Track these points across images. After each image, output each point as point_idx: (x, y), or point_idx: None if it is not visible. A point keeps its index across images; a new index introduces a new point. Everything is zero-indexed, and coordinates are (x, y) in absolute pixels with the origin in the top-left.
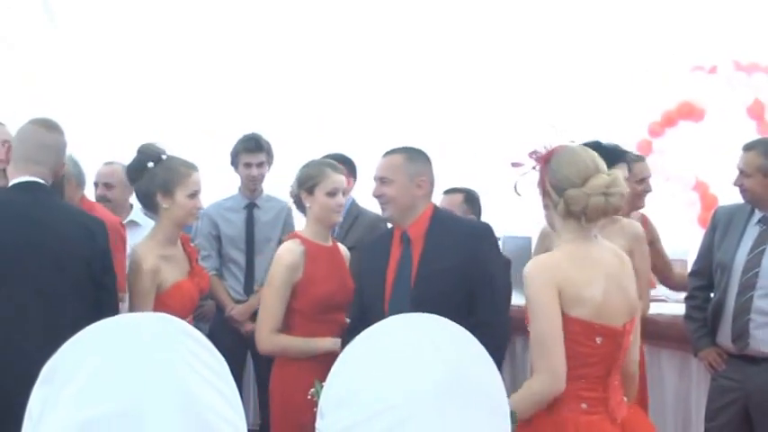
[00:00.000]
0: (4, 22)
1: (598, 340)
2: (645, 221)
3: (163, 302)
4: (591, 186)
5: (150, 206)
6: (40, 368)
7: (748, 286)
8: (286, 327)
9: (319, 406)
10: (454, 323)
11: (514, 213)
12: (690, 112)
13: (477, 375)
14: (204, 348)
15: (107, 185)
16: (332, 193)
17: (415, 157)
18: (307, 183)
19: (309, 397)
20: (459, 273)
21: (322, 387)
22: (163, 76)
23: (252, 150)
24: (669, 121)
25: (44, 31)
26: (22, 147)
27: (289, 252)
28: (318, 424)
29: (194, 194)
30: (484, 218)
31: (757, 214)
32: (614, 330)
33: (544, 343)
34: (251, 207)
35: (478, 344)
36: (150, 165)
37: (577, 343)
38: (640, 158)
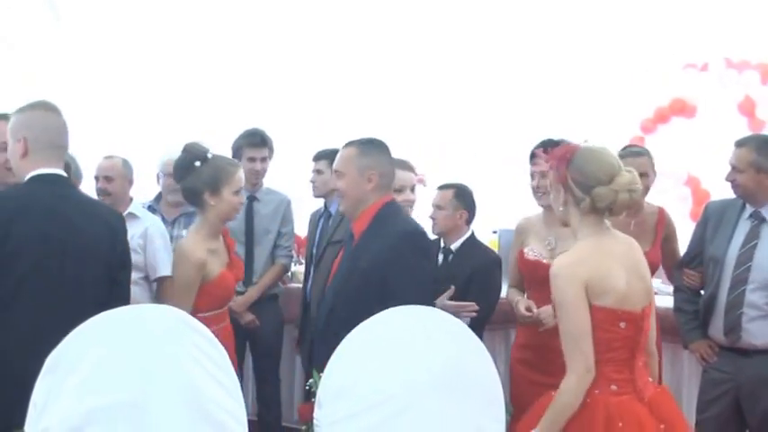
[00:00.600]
0: (4, 21)
1: (622, 325)
2: (662, 216)
3: (208, 292)
4: (618, 184)
5: (196, 202)
6: None
7: (740, 280)
8: None
9: (317, 396)
10: (451, 316)
11: (511, 208)
12: (682, 109)
13: (473, 367)
14: (208, 341)
15: (107, 179)
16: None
17: (368, 150)
18: None
19: (307, 388)
20: (376, 274)
21: (320, 378)
22: (164, 74)
23: (256, 145)
24: (661, 117)
25: (45, 31)
26: (45, 135)
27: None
28: (317, 414)
29: (239, 191)
30: (480, 213)
31: (749, 209)
32: (635, 315)
33: (576, 339)
34: (251, 200)
35: (474, 336)
36: (197, 164)
37: (603, 330)
38: (637, 153)
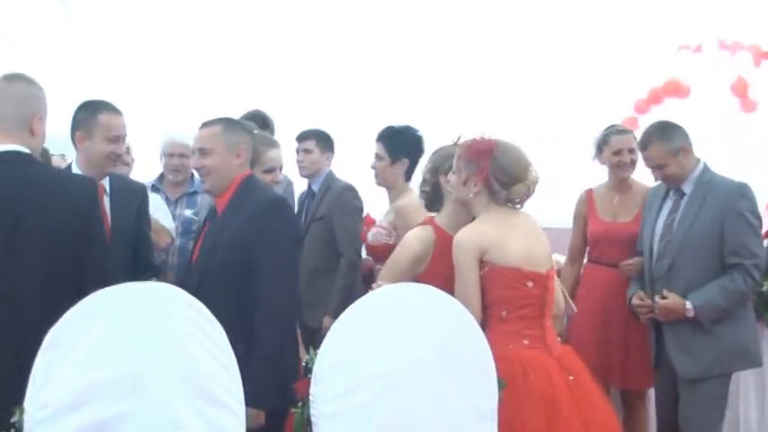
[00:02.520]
0: (13, 19)
1: (529, 284)
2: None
3: None
4: (530, 180)
5: None
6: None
7: (664, 252)
8: None
9: (313, 373)
10: (445, 293)
11: None
12: (675, 90)
13: (467, 344)
14: (205, 318)
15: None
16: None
17: (233, 127)
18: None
19: (304, 364)
20: (241, 246)
21: (316, 354)
22: (170, 70)
23: (260, 127)
24: (655, 98)
25: (54, 28)
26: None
27: (417, 240)
28: (313, 390)
29: (270, 170)
30: None
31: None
32: (540, 275)
33: (465, 295)
34: None
35: (468, 313)
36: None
37: (513, 288)
38: (623, 132)
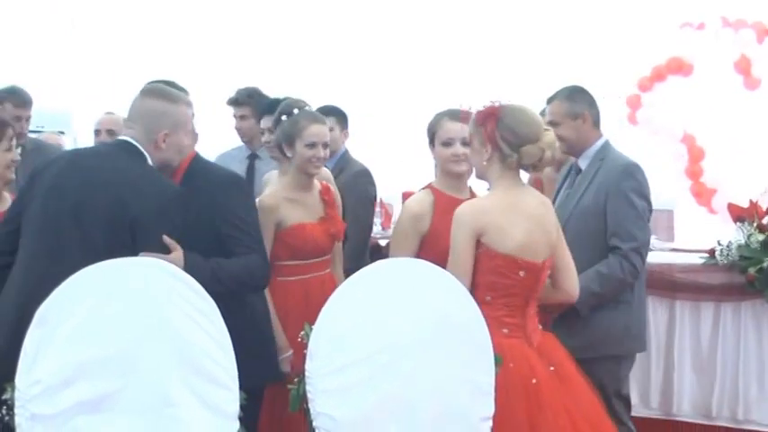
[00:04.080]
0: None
1: (521, 273)
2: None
3: (281, 239)
4: (545, 142)
5: (279, 154)
6: None
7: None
8: None
9: (309, 348)
10: (441, 269)
11: None
12: (678, 67)
13: (463, 319)
14: (195, 293)
15: (110, 132)
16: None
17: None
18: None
19: (300, 340)
20: (205, 223)
21: (312, 330)
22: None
23: (234, 102)
24: (658, 75)
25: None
26: None
27: (416, 202)
28: (308, 366)
29: (312, 145)
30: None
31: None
32: (535, 265)
33: (455, 269)
34: (253, 158)
35: (463, 288)
36: (283, 118)
37: (502, 275)
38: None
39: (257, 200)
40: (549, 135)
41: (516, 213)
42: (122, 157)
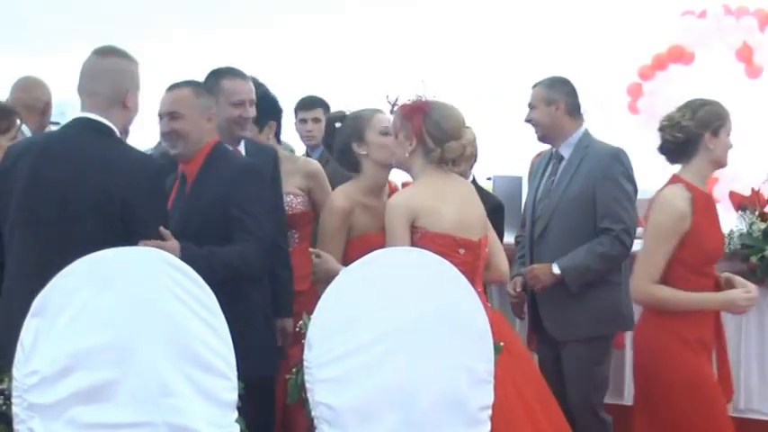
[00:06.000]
0: None
1: (461, 251)
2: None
3: (353, 247)
4: (466, 139)
5: (351, 162)
6: None
7: (540, 216)
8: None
9: (307, 338)
10: (439, 257)
11: (505, 154)
12: (679, 56)
13: (462, 307)
14: (192, 282)
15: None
16: None
17: (202, 91)
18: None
19: (297, 329)
20: (218, 209)
21: (310, 320)
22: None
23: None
24: (659, 64)
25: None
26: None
27: (680, 199)
28: (306, 355)
29: (384, 132)
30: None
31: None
32: (473, 243)
33: None
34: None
35: (463, 277)
36: (338, 124)
37: (445, 255)
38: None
39: (327, 201)
40: (470, 132)
41: (445, 195)
42: (93, 138)
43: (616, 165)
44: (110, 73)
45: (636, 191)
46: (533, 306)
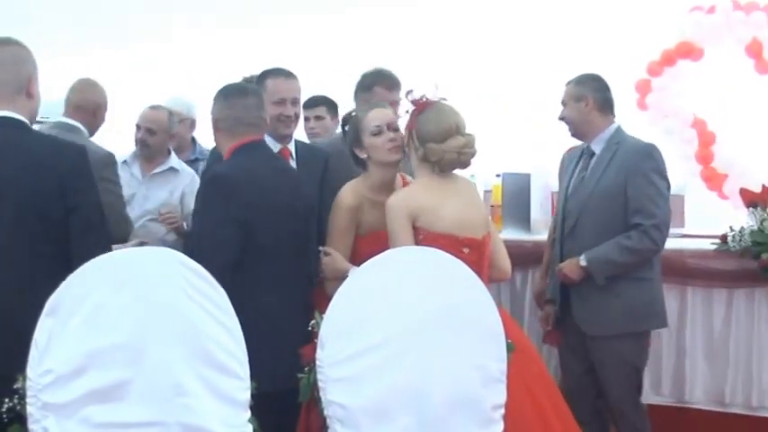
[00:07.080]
0: None
1: (465, 251)
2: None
3: (362, 244)
4: (449, 145)
5: (362, 164)
6: None
7: (570, 211)
8: None
9: (319, 337)
10: (452, 256)
11: (505, 155)
12: (688, 52)
13: (473, 306)
14: (205, 282)
15: (150, 131)
16: None
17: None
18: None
19: (310, 328)
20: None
21: (322, 318)
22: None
23: None
24: (668, 59)
25: None
26: None
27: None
28: (319, 354)
29: (376, 132)
30: (483, 156)
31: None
32: (477, 241)
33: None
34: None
35: (474, 276)
36: (346, 128)
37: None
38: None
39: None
40: (458, 141)
41: (444, 194)
42: (15, 137)
43: (648, 161)
44: (11, 62)
45: (669, 187)
46: (564, 299)
